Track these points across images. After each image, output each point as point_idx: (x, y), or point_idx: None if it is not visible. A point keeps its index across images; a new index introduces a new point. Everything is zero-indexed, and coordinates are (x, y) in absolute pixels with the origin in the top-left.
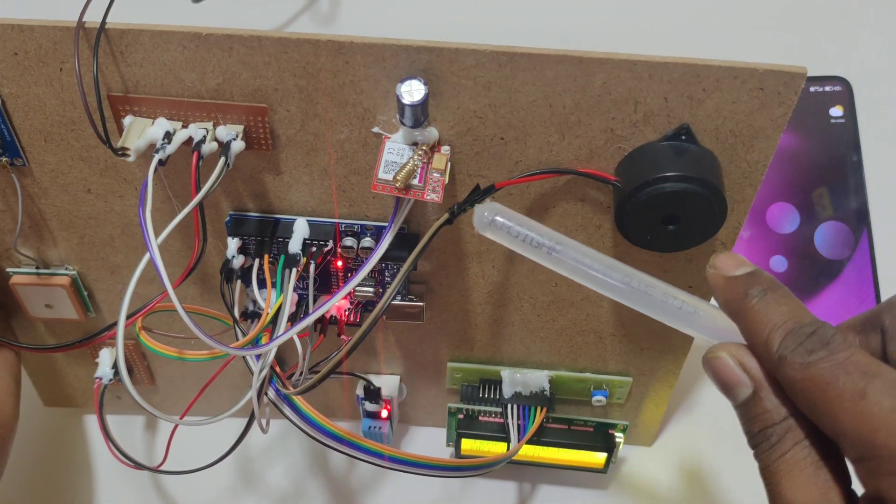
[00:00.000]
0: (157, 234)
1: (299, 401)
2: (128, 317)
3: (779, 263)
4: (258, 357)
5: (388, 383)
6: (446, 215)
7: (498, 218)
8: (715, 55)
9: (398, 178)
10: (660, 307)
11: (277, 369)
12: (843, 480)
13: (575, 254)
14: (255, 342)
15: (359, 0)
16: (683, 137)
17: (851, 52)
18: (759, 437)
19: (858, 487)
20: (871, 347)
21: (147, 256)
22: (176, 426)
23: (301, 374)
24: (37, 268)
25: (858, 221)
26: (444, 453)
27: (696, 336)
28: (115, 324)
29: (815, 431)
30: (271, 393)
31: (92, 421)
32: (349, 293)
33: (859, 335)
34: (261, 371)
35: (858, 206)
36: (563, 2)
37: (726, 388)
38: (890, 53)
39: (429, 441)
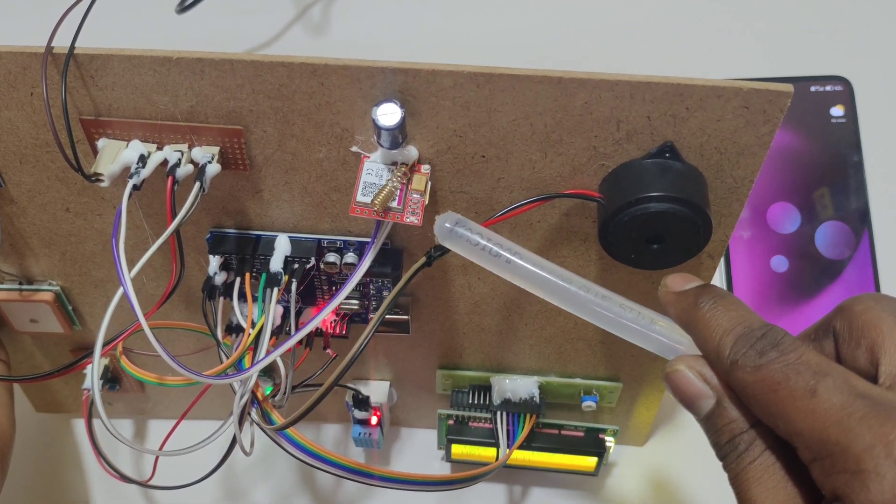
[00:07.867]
0: (135, 258)
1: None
2: (105, 344)
3: (779, 264)
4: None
5: (377, 389)
6: (423, 259)
7: (457, 228)
8: (715, 55)
9: (376, 201)
10: (615, 321)
11: (258, 393)
12: (810, 485)
13: (530, 265)
14: (238, 362)
15: (351, 8)
16: (667, 155)
17: (851, 52)
18: (727, 447)
19: None
20: (825, 353)
21: (120, 291)
22: (167, 438)
23: (284, 393)
24: (20, 283)
25: (859, 221)
26: (435, 456)
27: (655, 351)
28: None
29: (780, 438)
30: (255, 414)
31: (83, 426)
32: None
33: (813, 343)
34: (241, 397)
35: (859, 206)
36: (552, 14)
37: (688, 401)
38: (890, 53)
39: (420, 443)
